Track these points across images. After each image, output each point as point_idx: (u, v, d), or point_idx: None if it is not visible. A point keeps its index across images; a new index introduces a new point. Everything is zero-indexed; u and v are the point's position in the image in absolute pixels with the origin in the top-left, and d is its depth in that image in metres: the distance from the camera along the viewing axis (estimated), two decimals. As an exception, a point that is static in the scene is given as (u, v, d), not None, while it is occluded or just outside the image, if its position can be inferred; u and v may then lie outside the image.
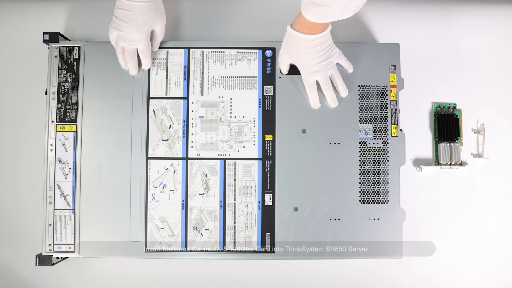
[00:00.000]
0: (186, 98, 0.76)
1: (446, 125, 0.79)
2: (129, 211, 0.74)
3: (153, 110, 0.75)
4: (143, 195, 0.74)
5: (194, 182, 0.75)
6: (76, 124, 0.75)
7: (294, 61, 0.72)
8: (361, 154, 0.75)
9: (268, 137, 0.75)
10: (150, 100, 0.76)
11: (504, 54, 0.83)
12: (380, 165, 0.75)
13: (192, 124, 0.75)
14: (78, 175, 0.75)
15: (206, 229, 0.74)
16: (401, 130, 0.76)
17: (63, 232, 0.74)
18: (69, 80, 0.76)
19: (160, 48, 0.76)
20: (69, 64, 0.76)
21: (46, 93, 0.76)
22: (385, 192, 0.75)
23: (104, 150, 0.75)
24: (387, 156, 0.75)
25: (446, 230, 0.80)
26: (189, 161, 0.75)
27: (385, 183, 0.75)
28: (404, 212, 0.74)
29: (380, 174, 0.75)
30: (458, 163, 0.78)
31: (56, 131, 0.75)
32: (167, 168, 0.75)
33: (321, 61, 0.71)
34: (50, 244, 0.74)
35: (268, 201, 0.75)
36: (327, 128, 0.75)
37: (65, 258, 0.78)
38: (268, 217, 0.74)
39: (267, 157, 0.75)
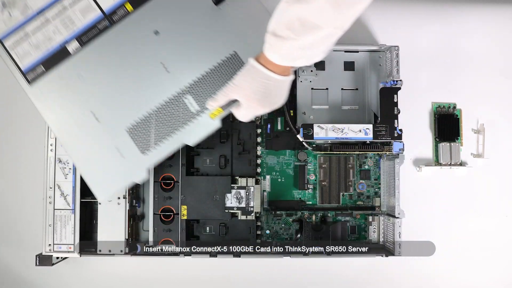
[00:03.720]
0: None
1: (446, 125, 0.79)
2: None
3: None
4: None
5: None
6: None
7: None
8: None
9: None
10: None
11: (504, 54, 0.83)
12: None
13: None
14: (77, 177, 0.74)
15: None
16: (400, 130, 0.72)
17: (63, 232, 0.74)
18: (69, 80, 0.75)
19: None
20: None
21: None
22: None
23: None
24: None
25: (446, 230, 0.80)
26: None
27: None
28: None
29: None
30: (458, 163, 0.78)
31: (56, 131, 0.75)
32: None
33: None
34: (50, 244, 0.74)
35: None
36: None
37: (65, 258, 0.78)
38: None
39: None
